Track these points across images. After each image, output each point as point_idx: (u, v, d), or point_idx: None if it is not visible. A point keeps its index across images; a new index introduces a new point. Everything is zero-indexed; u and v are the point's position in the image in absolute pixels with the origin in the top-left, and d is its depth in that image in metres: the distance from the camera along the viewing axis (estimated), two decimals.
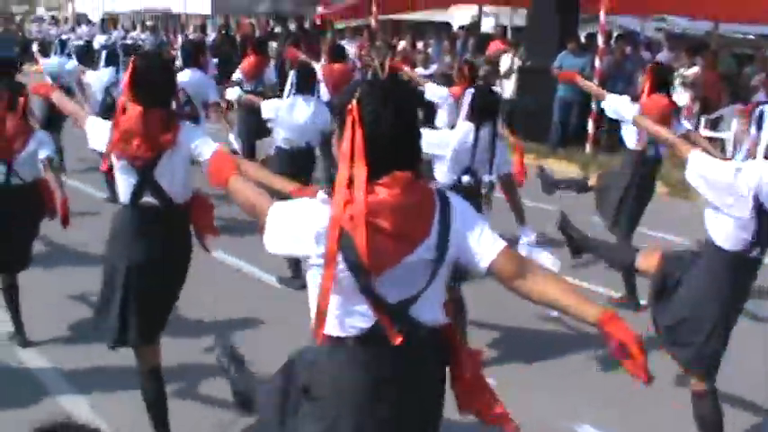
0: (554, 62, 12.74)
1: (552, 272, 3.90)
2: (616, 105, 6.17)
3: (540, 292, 2.35)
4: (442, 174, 5.06)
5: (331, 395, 2.28)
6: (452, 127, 5.36)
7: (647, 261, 4.34)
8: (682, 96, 11.87)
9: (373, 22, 17.03)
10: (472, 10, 20.56)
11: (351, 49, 16.17)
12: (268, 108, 6.68)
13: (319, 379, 2.31)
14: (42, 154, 5.15)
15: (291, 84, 6.70)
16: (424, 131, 4.50)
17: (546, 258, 4.75)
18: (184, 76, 8.14)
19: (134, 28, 26.93)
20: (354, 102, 2.22)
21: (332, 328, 2.28)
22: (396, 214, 2.19)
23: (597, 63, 12.76)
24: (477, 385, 2.47)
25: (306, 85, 6.70)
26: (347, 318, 2.28)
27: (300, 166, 6.54)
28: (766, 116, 3.76)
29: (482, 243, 2.35)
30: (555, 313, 4.71)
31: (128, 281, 3.75)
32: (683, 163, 3.86)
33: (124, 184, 3.77)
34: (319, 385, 2.31)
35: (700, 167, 3.77)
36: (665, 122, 5.53)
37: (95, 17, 36.17)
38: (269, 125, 6.88)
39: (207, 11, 37.22)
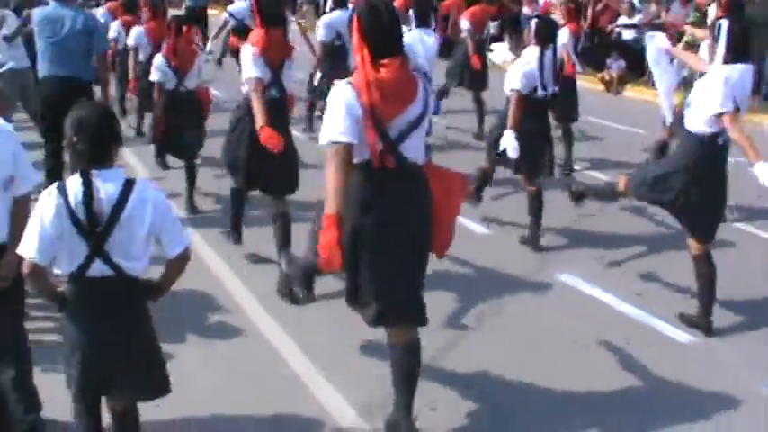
0: None
1: None
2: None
3: None
4: (522, 86, 6.17)
5: (350, 196, 3.41)
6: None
7: (622, 183, 5.31)
8: None
9: None
10: None
11: None
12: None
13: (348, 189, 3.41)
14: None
15: (412, 19, 7.99)
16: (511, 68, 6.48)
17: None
18: (334, 15, 9.26)
19: None
20: (356, 12, 3.50)
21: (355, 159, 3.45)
22: (393, 84, 3.40)
23: None
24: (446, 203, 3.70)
25: (425, 19, 7.96)
26: (361, 150, 3.41)
27: None
28: (722, 28, 4.79)
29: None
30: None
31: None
32: None
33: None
34: (348, 193, 3.40)
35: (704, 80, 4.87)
36: None
37: None
38: None
39: None
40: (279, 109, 5.35)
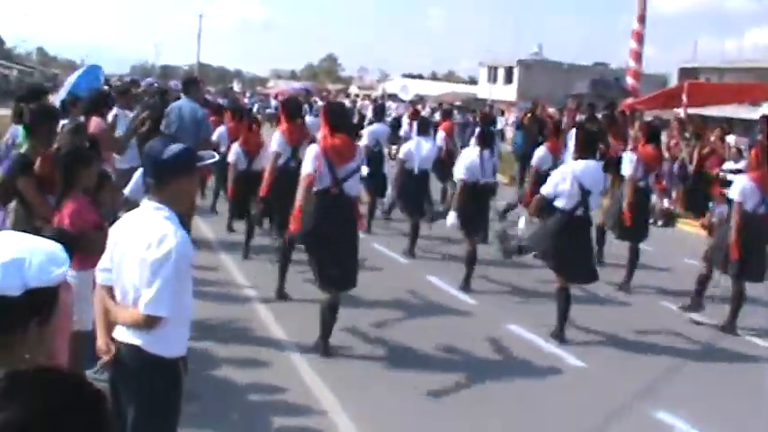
0: None
1: None
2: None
3: None
4: (467, 176, 8.76)
5: (312, 212, 6.09)
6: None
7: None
8: None
9: (682, 113, 16.97)
10: None
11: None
12: (402, 149, 10.95)
13: (310, 208, 6.10)
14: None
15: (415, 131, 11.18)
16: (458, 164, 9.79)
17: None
18: (375, 127, 12.85)
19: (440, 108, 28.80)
20: (323, 107, 7.20)
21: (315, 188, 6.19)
22: (342, 147, 6.14)
23: None
24: None
25: (425, 131, 10.87)
26: (320, 184, 6.12)
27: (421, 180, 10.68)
28: (569, 137, 7.47)
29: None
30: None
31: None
32: None
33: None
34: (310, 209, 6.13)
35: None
36: (653, 167, 9.24)
37: (406, 97, 39.03)
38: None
39: (512, 98, 38.66)
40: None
